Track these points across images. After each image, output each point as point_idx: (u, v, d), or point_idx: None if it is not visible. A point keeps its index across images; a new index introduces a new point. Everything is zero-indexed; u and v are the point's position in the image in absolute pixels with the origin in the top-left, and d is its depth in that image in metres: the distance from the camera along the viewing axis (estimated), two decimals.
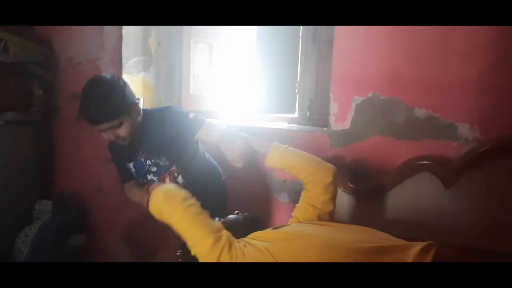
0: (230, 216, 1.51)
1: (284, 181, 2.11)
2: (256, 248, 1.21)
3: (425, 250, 1.15)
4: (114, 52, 2.63)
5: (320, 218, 1.44)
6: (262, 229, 1.39)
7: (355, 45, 1.81)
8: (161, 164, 1.84)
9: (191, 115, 1.81)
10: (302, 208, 1.47)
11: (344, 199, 1.81)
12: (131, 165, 1.89)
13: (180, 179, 1.89)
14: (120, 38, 2.59)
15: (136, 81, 2.70)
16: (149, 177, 1.87)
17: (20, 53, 2.55)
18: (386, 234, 1.29)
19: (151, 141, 1.82)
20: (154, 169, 1.86)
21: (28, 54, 2.63)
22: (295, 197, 2.01)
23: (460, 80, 1.60)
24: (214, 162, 2.06)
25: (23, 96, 2.68)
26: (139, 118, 1.77)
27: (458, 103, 1.61)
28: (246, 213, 1.52)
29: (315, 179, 1.46)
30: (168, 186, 1.42)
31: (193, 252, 1.25)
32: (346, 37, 1.83)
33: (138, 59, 2.69)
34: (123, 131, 1.70)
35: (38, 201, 2.81)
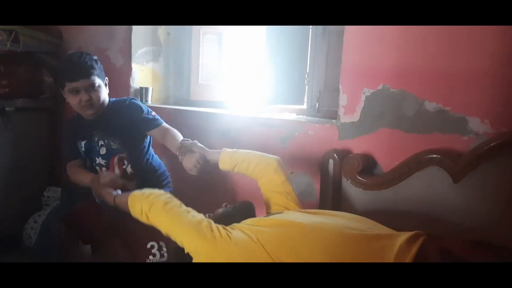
0: (219, 209, 1.54)
1: (291, 173, 2.11)
2: (244, 232, 1.24)
3: (412, 240, 1.15)
4: (123, 42, 2.64)
5: (289, 202, 1.55)
6: (256, 216, 1.42)
7: (366, 37, 1.80)
8: (113, 146, 1.90)
9: (152, 113, 1.96)
10: (270, 198, 1.57)
11: (352, 192, 1.81)
12: (82, 143, 1.91)
13: (129, 168, 1.94)
14: (129, 28, 2.60)
15: (145, 71, 2.71)
16: (98, 159, 1.91)
17: (30, 43, 2.59)
18: (374, 222, 1.30)
19: (108, 123, 1.89)
20: (104, 151, 1.90)
21: (39, 44, 2.67)
22: (301, 188, 2.03)
23: (471, 73, 1.58)
24: (161, 161, 2.15)
25: (33, 84, 2.71)
26: (107, 98, 1.88)
27: (469, 96, 1.59)
28: (236, 204, 1.56)
29: (264, 167, 1.62)
30: (142, 191, 1.47)
31: (186, 250, 1.28)
32: (357, 28, 1.81)
33: (147, 49, 2.70)
34: (96, 96, 1.80)
35: (47, 188, 2.84)
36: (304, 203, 1.70)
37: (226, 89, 2.85)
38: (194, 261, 1.26)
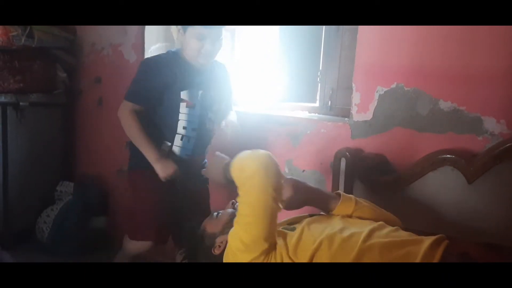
0: (229, 210, 1.50)
1: (304, 171, 2.10)
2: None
3: (436, 244, 1.14)
4: (136, 38, 2.65)
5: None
6: None
7: (380, 35, 1.78)
8: (221, 108, 1.89)
9: None
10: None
11: (364, 191, 1.79)
12: (199, 92, 1.77)
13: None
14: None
15: None
16: (209, 114, 1.84)
17: (45, 39, 2.60)
18: (396, 227, 1.28)
19: (220, 82, 1.88)
20: (216, 107, 1.87)
21: (53, 39, 2.68)
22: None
23: (487, 73, 1.56)
24: None
25: (47, 79, 2.72)
26: None
27: (484, 96, 1.57)
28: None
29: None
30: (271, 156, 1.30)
31: (233, 246, 1.26)
32: (371, 26, 1.80)
33: (160, 45, 2.70)
34: (217, 48, 1.73)
35: (60, 182, 2.87)
36: None
37: (238, 86, 2.84)
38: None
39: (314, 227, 1.27)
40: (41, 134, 2.76)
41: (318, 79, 2.38)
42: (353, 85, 1.87)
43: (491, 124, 1.56)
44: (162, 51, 2.69)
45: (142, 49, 2.63)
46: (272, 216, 1.22)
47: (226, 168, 1.39)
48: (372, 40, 1.80)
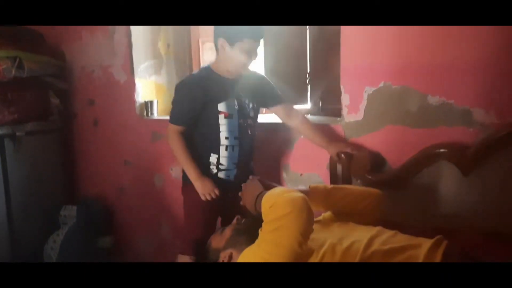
0: (232, 226, 1.53)
1: (301, 175, 2.12)
2: None
3: (435, 246, 1.16)
4: (125, 58, 2.67)
5: None
6: None
7: (362, 36, 1.79)
8: (258, 112, 1.91)
9: None
10: None
11: None
12: (236, 102, 1.81)
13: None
14: (130, 44, 2.62)
15: (148, 85, 2.74)
16: (248, 121, 1.86)
17: (35, 68, 2.62)
18: (395, 231, 1.29)
19: (255, 86, 1.88)
20: (253, 113, 1.88)
21: (43, 67, 2.70)
22: None
23: (471, 65, 1.57)
24: None
25: (41, 107, 2.75)
26: None
27: (471, 88, 1.58)
28: (247, 219, 1.54)
29: None
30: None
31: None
32: (353, 28, 1.80)
33: (149, 63, 2.72)
34: (255, 57, 1.76)
35: (63, 206, 2.89)
36: None
37: None
38: None
39: (314, 239, 1.27)
40: (39, 161, 2.78)
41: (307, 81, 2.40)
42: (342, 86, 1.88)
43: (481, 115, 1.57)
44: (151, 68, 2.72)
45: (131, 69, 2.65)
46: (295, 260, 1.18)
47: (258, 199, 1.38)
48: (355, 42, 1.81)
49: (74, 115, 3.04)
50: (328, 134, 1.94)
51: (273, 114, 2.03)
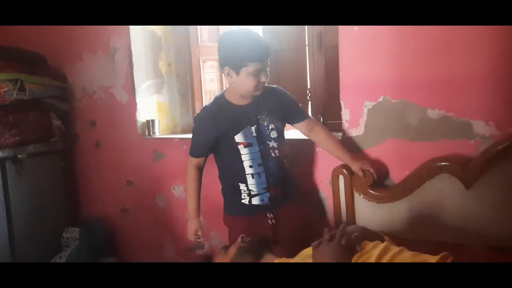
0: (236, 245, 1.51)
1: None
2: None
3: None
4: (126, 78, 2.69)
5: None
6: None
7: (360, 50, 1.80)
8: (281, 130, 1.83)
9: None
10: None
11: (365, 206, 1.80)
12: (252, 128, 1.76)
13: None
14: (131, 65, 2.64)
15: (150, 104, 2.74)
16: (270, 143, 1.79)
17: (36, 90, 2.64)
18: (401, 247, 1.27)
19: (271, 106, 1.80)
20: (275, 134, 1.80)
21: (44, 89, 2.71)
22: (316, 205, 2.01)
23: (470, 77, 1.58)
24: None
25: (42, 129, 2.75)
26: None
27: (471, 100, 1.58)
28: (251, 239, 1.52)
29: None
30: None
31: None
32: (351, 42, 1.82)
33: (150, 82, 2.74)
34: (265, 77, 1.68)
35: (65, 229, 2.87)
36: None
37: None
38: None
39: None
40: (42, 183, 2.77)
41: (308, 97, 2.40)
42: (341, 102, 1.89)
43: (481, 127, 1.57)
44: (152, 87, 2.74)
45: (132, 89, 2.67)
46: None
47: None
48: (354, 56, 1.82)
49: (76, 137, 3.04)
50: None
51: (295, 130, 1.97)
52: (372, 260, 1.19)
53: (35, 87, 2.61)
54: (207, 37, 2.81)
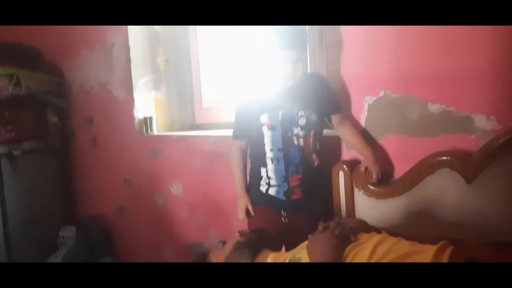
0: (234, 240, 1.51)
1: None
2: None
3: (441, 251, 1.12)
4: (123, 74, 2.67)
5: None
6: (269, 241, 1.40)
7: (362, 45, 1.79)
8: (313, 119, 1.78)
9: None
10: None
11: (365, 201, 1.78)
12: (280, 113, 1.75)
13: (318, 145, 1.82)
14: (128, 60, 2.62)
15: (148, 100, 2.72)
16: (295, 130, 1.76)
17: (32, 85, 2.62)
18: (399, 238, 1.25)
19: (307, 94, 1.78)
20: (304, 122, 1.76)
21: (40, 85, 2.69)
22: None
23: (471, 72, 1.56)
24: None
25: (38, 125, 2.73)
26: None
27: (471, 94, 1.57)
28: (249, 233, 1.53)
29: None
30: None
31: None
32: (352, 38, 1.81)
33: (148, 78, 2.71)
34: (300, 68, 1.72)
35: (61, 227, 2.85)
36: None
37: (231, 109, 2.84)
38: None
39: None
40: (37, 180, 2.75)
41: None
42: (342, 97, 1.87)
43: (482, 122, 1.56)
44: (150, 84, 2.72)
45: (130, 85, 2.65)
46: None
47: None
48: (355, 51, 1.81)
49: (72, 133, 3.02)
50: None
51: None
52: (368, 251, 1.18)
53: (31, 82, 2.59)
54: (207, 33, 2.78)
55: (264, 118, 1.76)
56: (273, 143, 1.76)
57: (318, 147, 1.80)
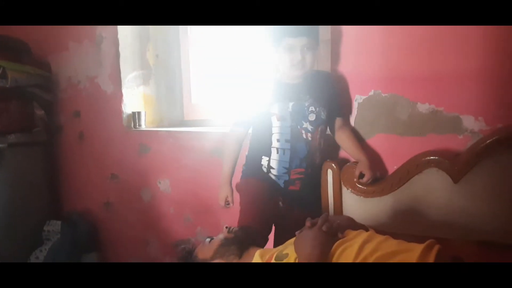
0: (220, 235, 1.49)
1: None
2: None
3: (427, 250, 1.13)
4: (112, 68, 2.64)
5: None
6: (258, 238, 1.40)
7: (352, 44, 1.80)
8: (322, 117, 1.77)
9: None
10: None
11: (353, 200, 1.79)
12: (290, 104, 1.74)
13: (322, 142, 1.82)
14: (117, 54, 2.59)
15: (136, 95, 2.70)
16: (305, 124, 1.75)
17: (19, 78, 2.57)
18: (386, 236, 1.26)
19: (318, 90, 1.77)
20: (313, 117, 1.76)
21: (27, 78, 2.65)
22: None
23: (460, 73, 1.58)
24: None
25: (24, 118, 2.69)
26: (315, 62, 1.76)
27: (460, 95, 1.59)
28: (237, 229, 1.50)
29: None
30: None
31: None
32: (342, 36, 1.81)
33: (137, 73, 2.69)
34: (310, 58, 1.69)
35: (46, 221, 2.81)
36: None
37: (220, 106, 2.83)
38: None
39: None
40: (23, 174, 2.71)
41: None
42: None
43: (470, 122, 1.58)
44: (139, 79, 2.69)
45: (118, 79, 2.62)
46: None
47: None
48: (345, 50, 1.82)
49: (59, 127, 2.98)
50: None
51: None
52: (355, 248, 1.18)
53: (17, 75, 2.55)
54: (197, 29, 2.77)
55: (273, 108, 1.75)
56: (281, 133, 1.76)
57: (322, 145, 1.81)
